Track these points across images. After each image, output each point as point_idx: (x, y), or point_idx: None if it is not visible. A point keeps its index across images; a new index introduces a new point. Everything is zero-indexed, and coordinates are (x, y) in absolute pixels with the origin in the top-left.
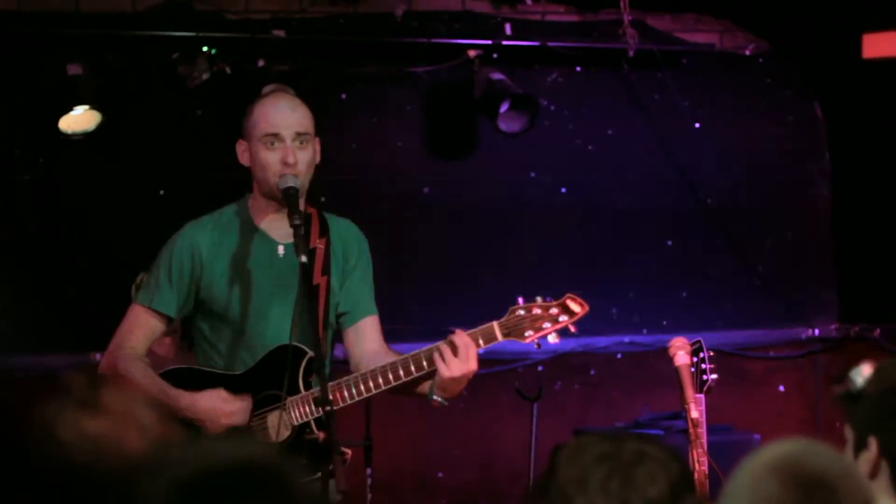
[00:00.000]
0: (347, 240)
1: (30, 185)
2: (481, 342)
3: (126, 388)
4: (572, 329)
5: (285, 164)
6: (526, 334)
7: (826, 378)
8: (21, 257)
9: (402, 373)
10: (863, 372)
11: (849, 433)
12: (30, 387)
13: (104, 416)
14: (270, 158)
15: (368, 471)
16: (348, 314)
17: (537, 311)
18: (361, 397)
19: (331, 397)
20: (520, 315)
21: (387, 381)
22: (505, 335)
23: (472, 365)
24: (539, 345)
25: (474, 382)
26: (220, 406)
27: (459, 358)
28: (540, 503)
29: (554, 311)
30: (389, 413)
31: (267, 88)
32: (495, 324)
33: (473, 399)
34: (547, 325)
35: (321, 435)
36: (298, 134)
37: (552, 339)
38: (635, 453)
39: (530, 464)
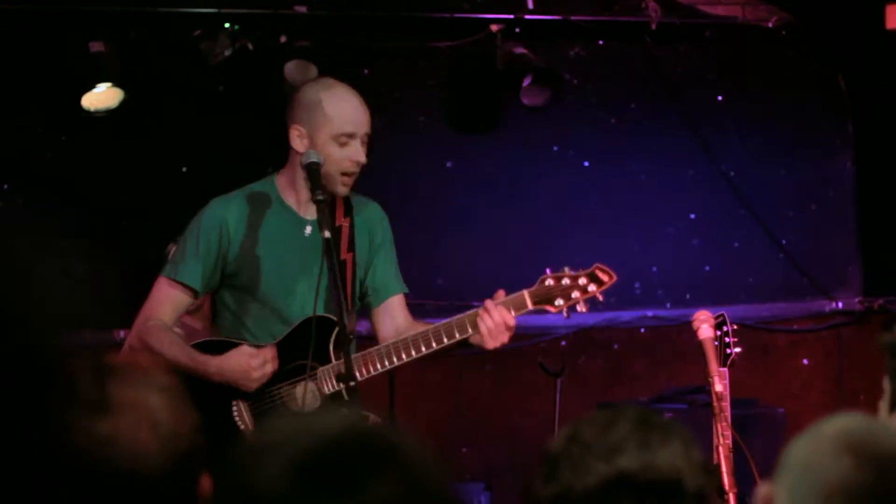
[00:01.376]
0: (371, 219)
1: (53, 162)
2: (512, 311)
3: (133, 378)
4: (600, 298)
5: (357, 162)
6: (556, 303)
7: (849, 351)
8: (44, 235)
9: (434, 342)
10: None
11: (887, 385)
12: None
13: (114, 416)
14: (340, 155)
15: None
16: (376, 293)
17: (566, 280)
18: (393, 366)
19: (356, 372)
20: (549, 285)
21: (419, 350)
22: (535, 304)
23: (511, 328)
24: (569, 314)
25: (497, 358)
26: (248, 361)
27: (496, 327)
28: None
29: (583, 280)
30: (413, 390)
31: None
32: (526, 292)
33: (497, 374)
34: (576, 294)
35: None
36: (367, 134)
37: (581, 308)
38: (646, 416)
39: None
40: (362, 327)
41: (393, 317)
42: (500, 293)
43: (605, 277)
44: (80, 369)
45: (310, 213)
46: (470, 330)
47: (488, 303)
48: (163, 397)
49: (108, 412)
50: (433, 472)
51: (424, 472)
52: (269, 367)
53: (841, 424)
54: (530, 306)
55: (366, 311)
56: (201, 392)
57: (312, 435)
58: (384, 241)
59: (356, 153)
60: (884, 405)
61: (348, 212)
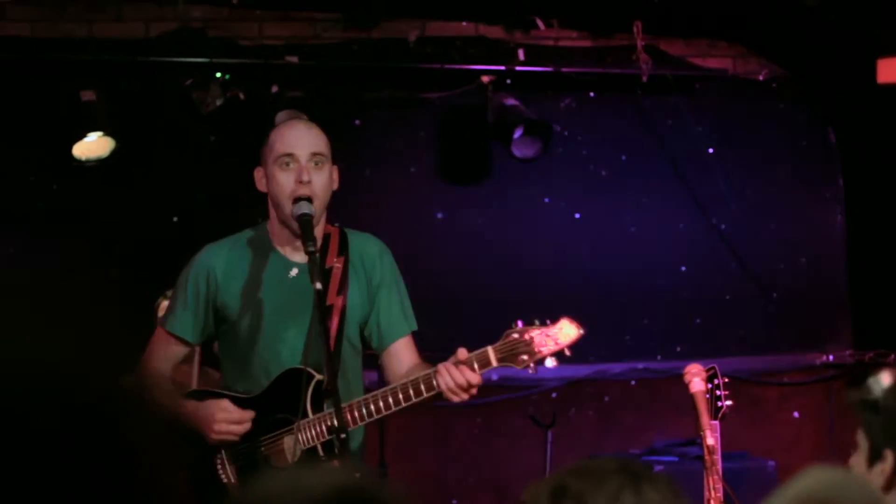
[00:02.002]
0: (368, 254)
1: (44, 212)
2: (476, 367)
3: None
4: (567, 353)
5: (300, 182)
6: (521, 359)
7: (840, 402)
8: (34, 282)
9: (402, 399)
10: (882, 381)
11: (862, 441)
12: None
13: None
14: (285, 179)
15: None
16: (381, 338)
17: (532, 334)
18: (372, 418)
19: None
20: (514, 339)
21: (397, 402)
22: (500, 361)
23: (474, 385)
24: (535, 370)
25: (488, 408)
26: (217, 413)
27: (457, 386)
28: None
29: (549, 334)
30: (404, 440)
31: (280, 115)
32: (490, 349)
33: (488, 426)
34: (542, 349)
35: (335, 465)
36: (313, 154)
37: (550, 363)
38: (639, 468)
39: None
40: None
41: (399, 361)
42: (462, 351)
43: (571, 331)
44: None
45: (296, 256)
46: (434, 387)
47: (441, 366)
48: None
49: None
50: None
51: None
52: (238, 429)
53: (807, 483)
54: (495, 363)
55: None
56: (189, 442)
57: (299, 495)
58: (384, 280)
59: (300, 172)
60: (859, 460)
61: (343, 250)
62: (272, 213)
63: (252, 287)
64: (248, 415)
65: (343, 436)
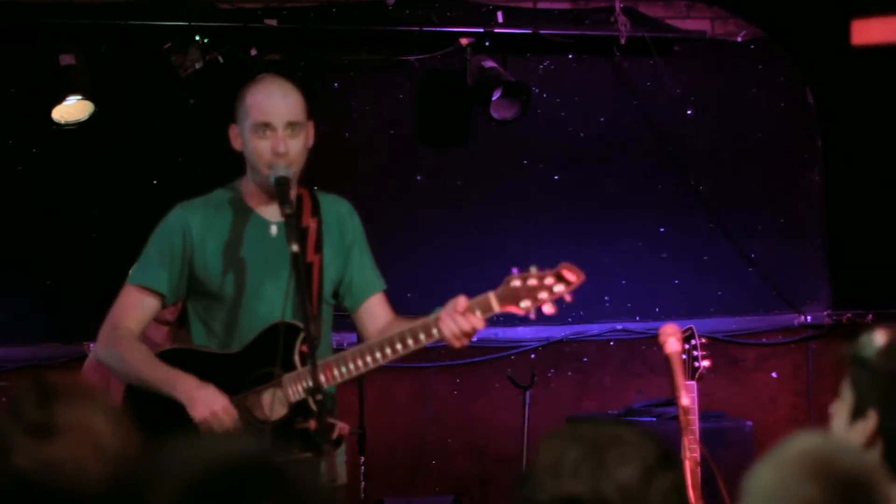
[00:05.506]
0: (341, 216)
1: (23, 175)
2: (478, 312)
3: (77, 399)
4: (568, 298)
5: (276, 153)
6: (522, 304)
7: (817, 365)
8: (14, 248)
9: (400, 346)
10: (877, 339)
11: (847, 395)
12: (23, 376)
13: (59, 439)
14: (261, 147)
15: (362, 459)
16: (354, 295)
17: (533, 281)
18: (359, 371)
19: (322, 381)
20: (515, 285)
21: (394, 351)
22: (501, 305)
23: (476, 330)
24: (536, 315)
25: (466, 370)
26: (215, 406)
27: (460, 332)
28: (522, 491)
29: (549, 280)
30: (382, 401)
31: (261, 77)
32: (491, 294)
33: (466, 387)
34: (543, 294)
35: (312, 424)
36: (290, 123)
37: (548, 309)
38: (609, 436)
39: (523, 451)
40: (338, 339)
41: (375, 316)
42: (462, 298)
43: (571, 277)
44: (24, 392)
45: (273, 214)
46: (435, 333)
47: (444, 314)
48: (108, 420)
49: (53, 436)
50: (320, 498)
51: (311, 499)
52: (223, 420)
53: (802, 447)
54: (496, 308)
55: (347, 317)
56: (171, 403)
57: (205, 460)
58: (356, 238)
59: (276, 143)
60: (841, 412)
61: (316, 210)
62: (247, 171)
63: (231, 246)
64: (235, 415)
65: (319, 397)
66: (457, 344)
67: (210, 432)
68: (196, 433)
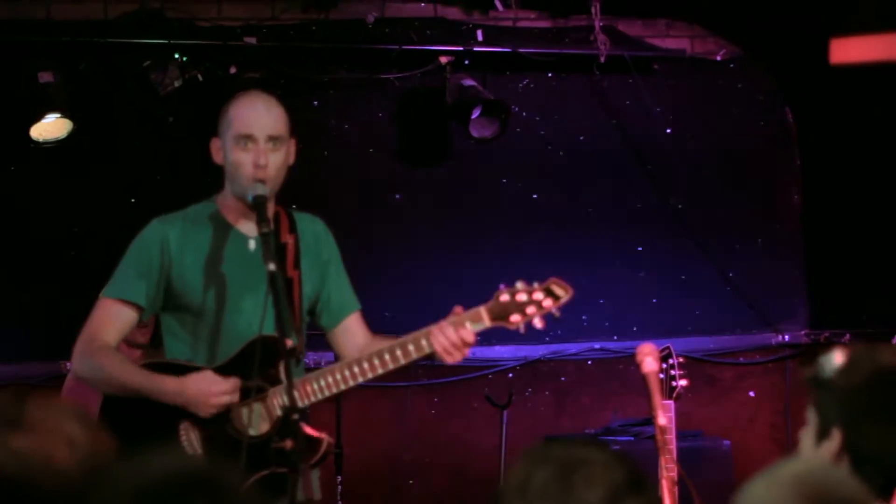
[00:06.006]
0: (317, 232)
1: (1, 193)
2: (468, 326)
3: (51, 404)
4: (557, 314)
5: (257, 165)
6: (512, 319)
7: (795, 381)
8: None
9: (389, 361)
10: (834, 359)
11: (812, 417)
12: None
13: (30, 432)
14: (243, 159)
15: (339, 479)
16: (332, 314)
17: (522, 296)
18: (348, 385)
19: (298, 401)
20: (505, 300)
21: (383, 365)
22: (492, 320)
23: (468, 343)
24: (525, 330)
25: (444, 389)
26: (209, 387)
27: (452, 345)
28: None
29: (538, 295)
30: (360, 420)
31: (246, 91)
32: (482, 308)
33: (444, 406)
34: (532, 309)
35: (288, 443)
36: (271, 137)
37: (538, 323)
38: (577, 458)
39: (501, 470)
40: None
41: (353, 335)
42: (458, 309)
43: (560, 292)
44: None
45: (251, 229)
46: (426, 348)
47: (435, 328)
48: (80, 423)
49: (24, 429)
50: None
51: None
52: (227, 399)
53: (797, 470)
54: (487, 323)
55: (321, 336)
56: (149, 414)
57: (147, 473)
58: (332, 257)
59: (257, 156)
60: (807, 436)
61: (293, 228)
62: (227, 185)
63: (210, 260)
64: (235, 383)
65: (295, 417)
66: (448, 359)
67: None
68: (174, 443)
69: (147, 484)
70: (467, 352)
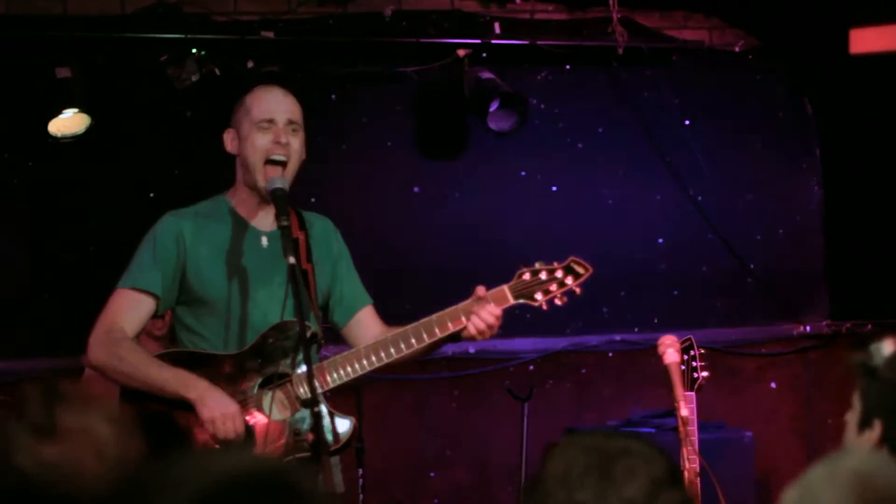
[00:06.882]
0: (326, 231)
1: (19, 188)
2: (493, 304)
3: (81, 405)
4: (578, 291)
5: (277, 142)
6: (536, 297)
7: (817, 375)
8: (11, 261)
9: (426, 335)
10: (885, 349)
11: (857, 404)
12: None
13: (61, 441)
14: (262, 140)
15: (360, 471)
16: (345, 308)
17: (543, 274)
18: (382, 363)
19: (319, 392)
20: (527, 279)
21: (409, 345)
22: (516, 298)
23: (500, 319)
24: (548, 307)
25: (465, 382)
26: (225, 409)
27: (485, 320)
28: (530, 499)
29: (559, 273)
30: (381, 414)
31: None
32: (505, 287)
33: (465, 399)
34: (554, 287)
35: (309, 437)
36: (291, 121)
37: (558, 301)
38: (618, 449)
39: (522, 463)
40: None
41: (367, 327)
42: (481, 289)
43: (580, 269)
44: (31, 395)
45: (263, 223)
46: (463, 320)
47: (473, 307)
48: (110, 426)
49: (55, 437)
50: None
51: None
52: (229, 425)
53: (857, 467)
54: (511, 300)
55: (336, 332)
56: (173, 406)
57: (213, 473)
58: (342, 253)
59: (278, 135)
60: (852, 421)
61: (302, 225)
62: (239, 177)
63: (223, 254)
64: (243, 427)
65: (316, 410)
66: (479, 338)
67: (214, 433)
68: (189, 440)
69: (212, 485)
70: (496, 330)
